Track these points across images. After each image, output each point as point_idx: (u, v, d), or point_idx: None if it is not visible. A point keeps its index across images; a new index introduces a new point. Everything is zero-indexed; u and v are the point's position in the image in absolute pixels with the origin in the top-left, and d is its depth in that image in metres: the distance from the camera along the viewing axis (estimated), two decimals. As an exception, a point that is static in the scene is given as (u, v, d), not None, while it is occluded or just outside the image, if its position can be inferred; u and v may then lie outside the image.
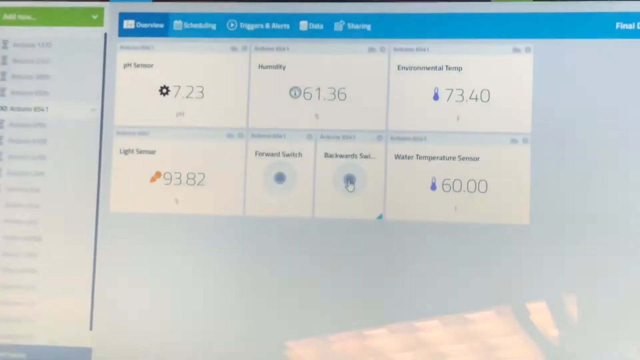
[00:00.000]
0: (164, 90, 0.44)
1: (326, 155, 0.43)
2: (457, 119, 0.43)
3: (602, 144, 0.42)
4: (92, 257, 0.44)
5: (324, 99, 0.44)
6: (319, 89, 0.44)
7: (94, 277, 0.44)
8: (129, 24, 0.45)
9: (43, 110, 0.45)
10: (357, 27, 0.44)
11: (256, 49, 0.44)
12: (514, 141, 0.42)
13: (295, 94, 0.44)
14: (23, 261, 0.44)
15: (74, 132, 0.44)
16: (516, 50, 0.43)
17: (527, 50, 0.42)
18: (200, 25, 0.44)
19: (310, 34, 0.44)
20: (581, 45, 0.42)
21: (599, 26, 0.42)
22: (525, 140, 0.42)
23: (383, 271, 0.43)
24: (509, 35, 0.43)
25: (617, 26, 0.42)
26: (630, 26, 0.42)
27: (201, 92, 0.44)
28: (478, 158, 0.43)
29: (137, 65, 0.45)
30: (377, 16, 0.43)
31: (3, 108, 0.45)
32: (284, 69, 0.44)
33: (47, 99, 0.45)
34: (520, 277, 0.42)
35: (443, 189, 0.43)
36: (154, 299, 0.44)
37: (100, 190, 0.44)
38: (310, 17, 0.44)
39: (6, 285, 0.44)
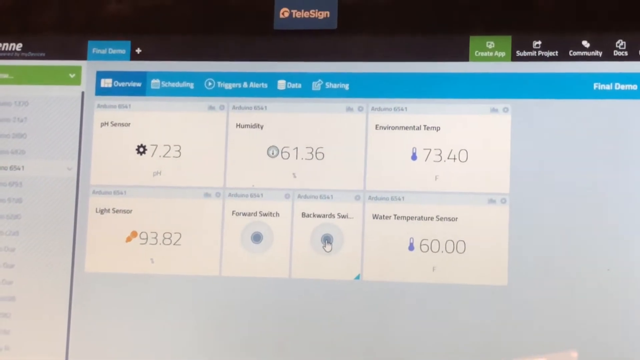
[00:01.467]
0: (141, 149, 0.44)
1: (303, 215, 0.43)
2: (435, 178, 0.43)
3: (581, 204, 0.41)
4: (67, 316, 0.43)
5: (302, 159, 0.43)
6: (296, 148, 0.44)
7: (68, 337, 0.43)
8: (106, 82, 0.45)
9: (19, 169, 0.44)
10: (335, 86, 0.44)
11: (234, 108, 0.44)
12: (492, 201, 0.42)
13: (272, 154, 0.44)
14: (-4, 322, 0.44)
15: (50, 191, 0.44)
16: (494, 110, 0.42)
17: (505, 110, 0.42)
18: (177, 84, 0.44)
19: (288, 93, 0.44)
20: (559, 105, 0.42)
21: (576, 87, 0.42)
22: (503, 201, 0.42)
23: (361, 332, 0.42)
24: (487, 95, 0.43)
25: (594, 87, 0.42)
26: (608, 87, 0.42)
27: (178, 151, 0.44)
28: (456, 218, 0.42)
29: (114, 124, 0.44)
30: (355, 75, 0.43)
31: (-22, 167, 0.45)
32: (261, 128, 0.44)
33: (23, 157, 0.45)
34: (499, 338, 0.41)
35: (421, 250, 0.42)
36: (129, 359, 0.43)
37: (76, 249, 0.44)
38: (288, 77, 0.44)
39: (-22, 347, 0.44)
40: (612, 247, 0.41)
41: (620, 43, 0.42)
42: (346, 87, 0.44)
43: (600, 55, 0.42)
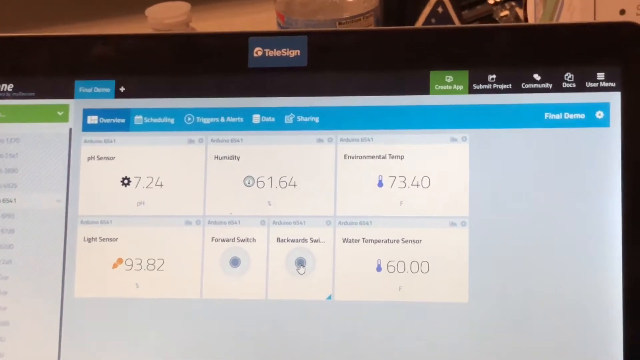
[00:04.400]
0: (125, 181, 0.47)
1: (278, 240, 0.46)
2: (400, 204, 0.46)
3: (535, 225, 0.45)
4: (58, 340, 0.46)
5: (276, 187, 0.46)
6: (271, 177, 0.47)
7: (59, 357, 0.46)
8: (92, 119, 0.48)
9: (11, 201, 0.47)
10: (306, 119, 0.47)
11: (212, 141, 0.47)
12: (452, 224, 0.45)
13: (249, 183, 0.47)
14: (-9, 345, 0.46)
15: (41, 222, 0.47)
16: (453, 139, 0.46)
17: (464, 139, 0.46)
18: (159, 120, 0.47)
19: (263, 126, 0.47)
20: (513, 134, 0.45)
21: (529, 117, 0.45)
22: (463, 224, 0.45)
23: (333, 349, 0.45)
24: (447, 125, 0.46)
25: (545, 116, 0.45)
26: (558, 116, 0.45)
27: (160, 182, 0.47)
28: (420, 241, 0.45)
29: (100, 158, 0.47)
30: (325, 109, 0.47)
31: (-27, 201, 0.48)
32: (238, 159, 0.47)
33: (15, 190, 0.47)
34: (461, 351, 0.44)
35: (388, 270, 0.45)
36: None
37: (65, 276, 0.47)
38: (263, 111, 0.47)
39: (-26, 370, 0.46)
40: (566, 266, 0.44)
41: (569, 76, 0.45)
42: (316, 120, 0.47)
43: (551, 87, 0.45)
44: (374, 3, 0.75)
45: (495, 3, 0.79)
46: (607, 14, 0.53)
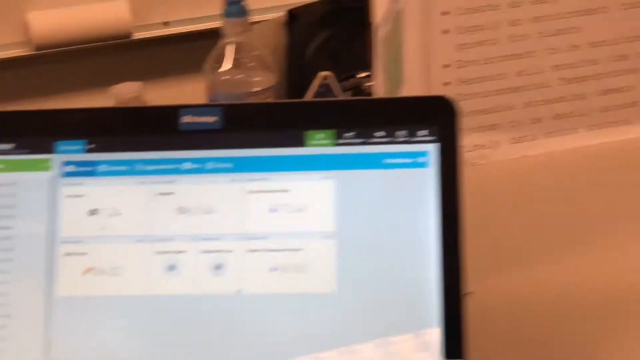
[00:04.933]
0: (93, 212, 0.66)
1: (202, 251, 0.65)
2: (287, 223, 0.65)
3: (381, 237, 0.63)
4: (44, 327, 0.64)
5: (201, 214, 0.65)
6: (197, 207, 0.66)
7: (47, 342, 0.64)
8: (69, 168, 0.66)
9: (9, 228, 0.66)
10: (222, 166, 0.66)
11: (154, 182, 0.66)
12: (324, 237, 0.64)
13: (182, 211, 0.66)
14: (-4, 331, 0.64)
15: (32, 242, 0.64)
16: (324, 177, 0.65)
17: (330, 177, 0.65)
18: (118, 168, 0.66)
19: (191, 171, 0.66)
20: (364, 174, 0.64)
21: (374, 161, 0.64)
22: (331, 236, 0.65)
23: (241, 329, 0.64)
24: (319, 168, 0.65)
25: (385, 161, 0.65)
26: (394, 160, 0.65)
27: (119, 212, 0.66)
28: (302, 249, 0.65)
29: (75, 196, 0.66)
30: (236, 158, 0.65)
31: (-21, 228, 0.66)
32: (174, 194, 0.66)
33: (14, 219, 0.66)
34: (332, 327, 0.63)
35: (279, 271, 0.65)
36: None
37: (50, 280, 0.65)
38: (191, 160, 0.66)
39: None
40: (401, 266, 0.63)
41: (402, 132, 0.65)
42: (230, 166, 0.66)
43: (389, 140, 0.65)
44: (273, 81, 1.05)
45: (362, 77, 1.04)
46: (437, 86, 0.73)
